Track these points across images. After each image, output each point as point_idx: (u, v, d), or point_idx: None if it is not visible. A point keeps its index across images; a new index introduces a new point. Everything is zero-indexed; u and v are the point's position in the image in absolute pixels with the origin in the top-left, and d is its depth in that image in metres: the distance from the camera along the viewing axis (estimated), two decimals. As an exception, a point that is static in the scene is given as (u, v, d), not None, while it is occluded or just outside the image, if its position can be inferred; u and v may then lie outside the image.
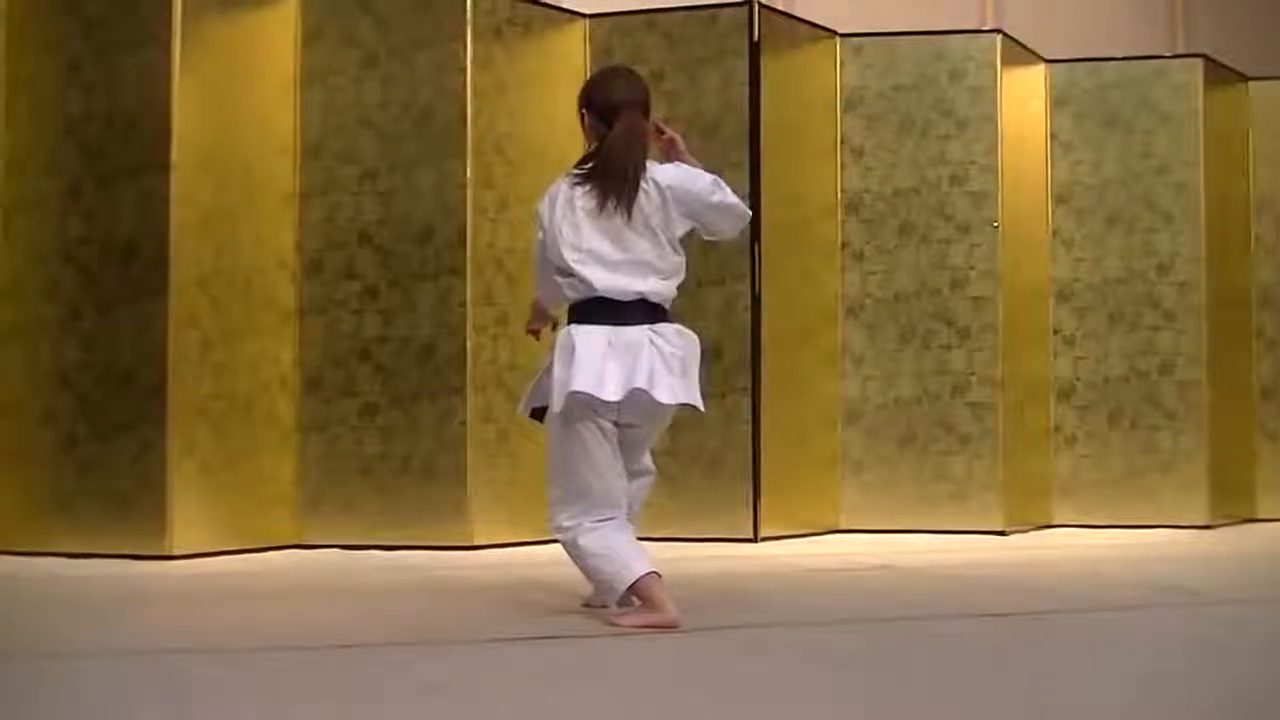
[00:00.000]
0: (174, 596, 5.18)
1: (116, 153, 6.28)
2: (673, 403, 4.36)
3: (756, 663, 3.75)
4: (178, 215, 6.21)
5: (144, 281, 6.20)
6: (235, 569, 5.90)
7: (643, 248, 4.42)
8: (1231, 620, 4.56)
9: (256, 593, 5.26)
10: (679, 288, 4.52)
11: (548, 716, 3.08)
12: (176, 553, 6.09)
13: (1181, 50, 9.40)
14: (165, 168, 6.20)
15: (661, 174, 4.45)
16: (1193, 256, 7.94)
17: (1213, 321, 7.97)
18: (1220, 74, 8.24)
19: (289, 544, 6.63)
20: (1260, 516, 8.33)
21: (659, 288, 4.42)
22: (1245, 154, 8.44)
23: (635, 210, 4.40)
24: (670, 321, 4.42)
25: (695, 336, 4.47)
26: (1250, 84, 8.47)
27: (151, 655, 3.80)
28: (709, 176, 4.50)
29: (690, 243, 7.15)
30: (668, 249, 4.45)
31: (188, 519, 6.18)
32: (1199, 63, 8.09)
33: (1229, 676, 3.48)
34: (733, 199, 4.50)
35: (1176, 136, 7.99)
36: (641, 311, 4.37)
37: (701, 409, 4.43)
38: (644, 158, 4.46)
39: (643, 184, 4.41)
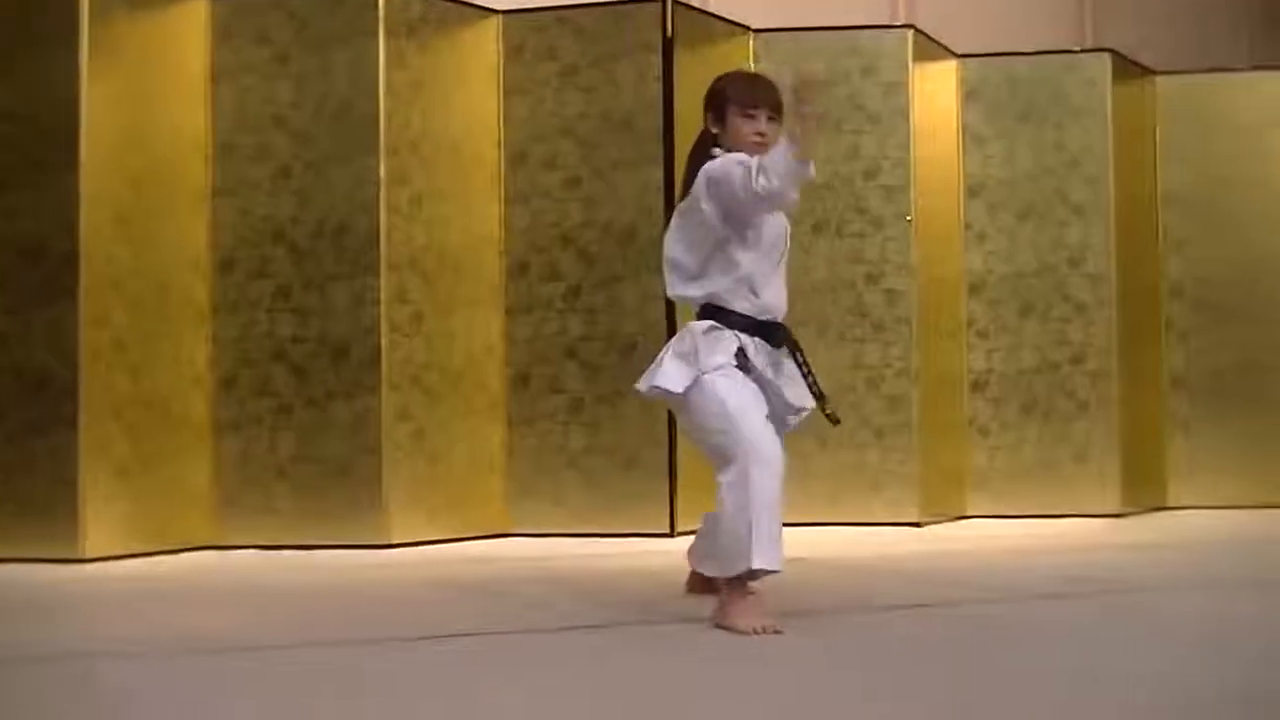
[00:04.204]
0: (89, 600, 5.13)
1: (25, 152, 6.20)
2: (642, 390, 4.38)
3: (682, 661, 3.76)
4: (88, 215, 6.15)
5: (55, 281, 6.13)
6: (151, 571, 5.86)
7: None
8: (1147, 608, 4.61)
9: (173, 595, 5.22)
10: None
11: (473, 713, 3.08)
12: (90, 555, 6.03)
13: (1090, 46, 9.48)
14: (74, 167, 6.14)
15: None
16: (1103, 249, 8.03)
17: (1123, 313, 8.06)
18: (1128, 69, 8.34)
19: (205, 545, 6.58)
20: (1170, 505, 8.44)
21: None
22: (1153, 148, 8.55)
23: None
24: (698, 319, 4.37)
25: (691, 325, 4.36)
26: (1158, 79, 8.57)
27: (68, 660, 3.77)
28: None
29: (609, 234, 7.17)
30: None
31: (101, 521, 6.12)
32: (1107, 57, 8.18)
33: (1151, 663, 3.52)
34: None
35: (1087, 130, 8.07)
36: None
37: (640, 391, 4.39)
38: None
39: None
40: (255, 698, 3.26)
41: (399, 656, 3.76)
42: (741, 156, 4.24)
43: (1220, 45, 10.07)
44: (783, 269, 4.39)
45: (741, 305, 4.29)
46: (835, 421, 4.38)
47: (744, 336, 4.28)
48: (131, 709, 3.15)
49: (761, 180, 4.08)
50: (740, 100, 4.35)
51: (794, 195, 4.16)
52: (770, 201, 4.19)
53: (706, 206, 4.26)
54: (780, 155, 4.06)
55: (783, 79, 4.19)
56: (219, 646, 3.95)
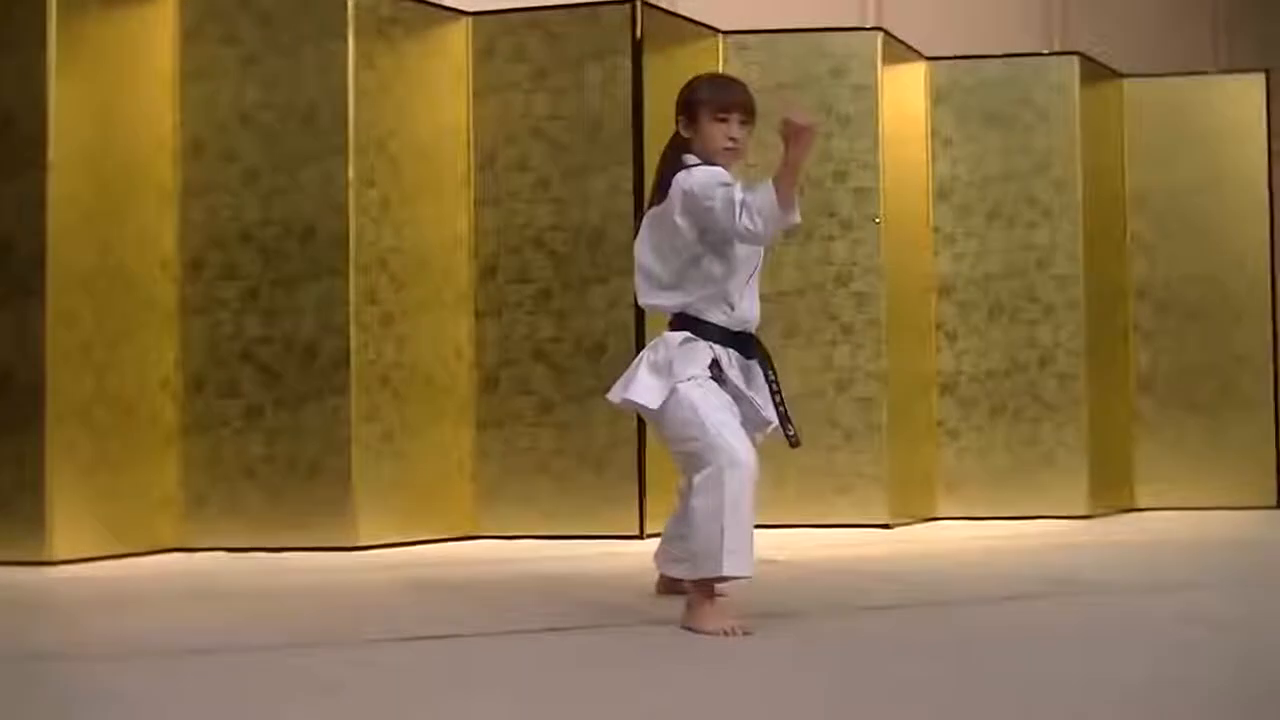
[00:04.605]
0: (57, 603, 5.11)
1: (-8, 151, 6.19)
2: (614, 400, 4.35)
3: (651, 663, 3.77)
4: (56, 215, 6.11)
5: (22, 282, 6.09)
6: (118, 573, 5.83)
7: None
8: (1115, 609, 4.63)
9: (141, 597, 5.20)
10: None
11: (442, 716, 3.08)
12: (57, 558, 6.00)
13: (1058, 49, 9.52)
14: (43, 167, 6.10)
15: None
16: (1071, 251, 8.06)
17: (1091, 315, 8.10)
18: (1096, 72, 8.38)
19: (172, 547, 6.56)
20: (1138, 506, 8.49)
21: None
22: (1120, 150, 8.59)
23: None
24: (672, 330, 4.34)
25: (665, 336, 4.33)
26: (1125, 82, 8.62)
27: (37, 662, 3.75)
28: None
29: (578, 236, 7.17)
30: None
31: (68, 523, 6.09)
32: (1075, 60, 8.22)
33: (1117, 665, 3.54)
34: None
35: (1054, 133, 8.11)
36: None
37: (613, 401, 4.36)
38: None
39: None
40: (224, 701, 3.25)
41: (368, 659, 3.76)
42: (723, 176, 4.24)
43: (1188, 48, 10.11)
44: (756, 280, 4.40)
45: (716, 317, 4.30)
46: (795, 444, 4.37)
47: (718, 348, 4.28)
48: (98, 711, 3.14)
49: (745, 221, 4.10)
50: (713, 104, 4.34)
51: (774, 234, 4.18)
52: (751, 241, 4.21)
53: (681, 221, 4.26)
54: (767, 199, 4.07)
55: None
56: (187, 649, 3.94)
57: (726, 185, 4.19)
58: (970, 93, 8.18)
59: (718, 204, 4.16)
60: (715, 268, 4.29)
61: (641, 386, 4.26)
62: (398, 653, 3.85)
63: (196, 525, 6.66)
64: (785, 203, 4.07)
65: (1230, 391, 8.52)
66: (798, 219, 4.15)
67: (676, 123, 4.42)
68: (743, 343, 4.34)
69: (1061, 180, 8.08)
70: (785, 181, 4.06)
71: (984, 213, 8.14)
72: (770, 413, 4.34)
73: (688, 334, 4.28)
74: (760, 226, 4.10)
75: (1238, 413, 8.51)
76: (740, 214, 4.10)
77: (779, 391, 4.34)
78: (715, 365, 4.26)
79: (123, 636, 4.20)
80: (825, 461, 7.57)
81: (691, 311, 4.30)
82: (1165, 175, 8.60)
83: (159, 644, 4.04)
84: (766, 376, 4.34)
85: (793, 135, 4.04)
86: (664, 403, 4.23)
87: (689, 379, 4.21)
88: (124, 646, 3.99)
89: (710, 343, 4.28)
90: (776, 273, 7.51)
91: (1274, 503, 8.49)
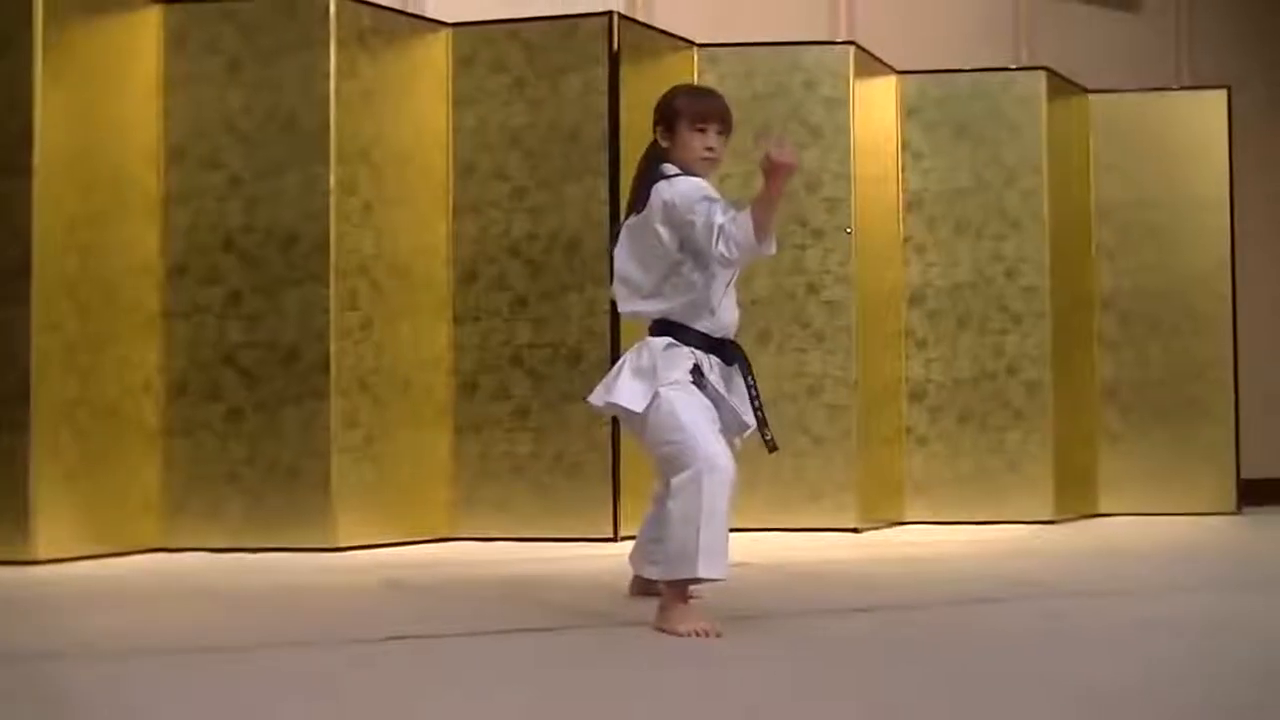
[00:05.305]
0: (40, 602, 5.13)
1: (-21, 158, 6.24)
2: (596, 404, 4.42)
3: (622, 663, 3.82)
4: (40, 220, 6.17)
5: (7, 286, 6.16)
6: (101, 573, 5.88)
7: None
8: (1077, 612, 4.71)
9: (124, 597, 5.23)
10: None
11: (417, 715, 3.14)
12: (41, 557, 6.07)
13: (1025, 64, 9.63)
14: (27, 172, 6.17)
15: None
16: (1038, 262, 8.18)
17: (1057, 324, 8.22)
18: (1062, 86, 8.50)
19: (155, 548, 6.62)
20: (1102, 512, 8.61)
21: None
22: (1087, 163, 8.72)
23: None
24: (653, 336, 4.40)
25: (649, 341, 4.39)
26: (1090, 96, 8.74)
27: (20, 661, 3.79)
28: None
29: (555, 244, 7.25)
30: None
31: (52, 524, 6.15)
32: (1042, 75, 8.34)
33: (1080, 666, 3.62)
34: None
35: (1022, 146, 8.23)
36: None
37: (595, 404, 4.43)
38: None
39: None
40: (205, 700, 3.29)
41: (346, 658, 3.81)
42: (706, 189, 4.31)
43: (1152, 65, 10.23)
44: (735, 286, 4.48)
45: (697, 323, 4.36)
46: (773, 449, 4.44)
47: (699, 353, 4.35)
48: (82, 711, 3.18)
49: (721, 247, 4.18)
50: (691, 114, 4.40)
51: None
52: (724, 265, 4.30)
53: (662, 230, 4.32)
54: (745, 229, 4.14)
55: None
56: (170, 648, 3.99)
57: (709, 200, 4.25)
58: (940, 106, 8.30)
59: (698, 222, 4.23)
60: (695, 275, 4.36)
61: (625, 390, 4.32)
62: (376, 653, 3.89)
63: (178, 526, 6.73)
64: (761, 234, 4.15)
65: (1193, 401, 8.66)
66: (773, 250, 4.23)
67: (654, 132, 4.48)
68: (723, 348, 4.44)
69: (1029, 192, 8.21)
70: (762, 214, 4.13)
71: (953, 224, 8.26)
72: (749, 417, 4.43)
73: (671, 340, 4.35)
74: (735, 255, 4.18)
75: (1200, 421, 8.64)
76: (717, 240, 4.18)
77: (758, 396, 4.42)
78: (696, 370, 4.33)
79: (108, 635, 4.23)
80: (795, 466, 7.66)
81: (673, 318, 4.37)
82: (1130, 189, 8.73)
83: (144, 643, 4.08)
84: (746, 381, 4.42)
85: (772, 171, 4.11)
86: (646, 406, 4.32)
87: (671, 383, 4.29)
88: (109, 645, 4.03)
89: (692, 348, 4.37)
90: (749, 280, 7.58)
91: (1234, 509, 8.63)
